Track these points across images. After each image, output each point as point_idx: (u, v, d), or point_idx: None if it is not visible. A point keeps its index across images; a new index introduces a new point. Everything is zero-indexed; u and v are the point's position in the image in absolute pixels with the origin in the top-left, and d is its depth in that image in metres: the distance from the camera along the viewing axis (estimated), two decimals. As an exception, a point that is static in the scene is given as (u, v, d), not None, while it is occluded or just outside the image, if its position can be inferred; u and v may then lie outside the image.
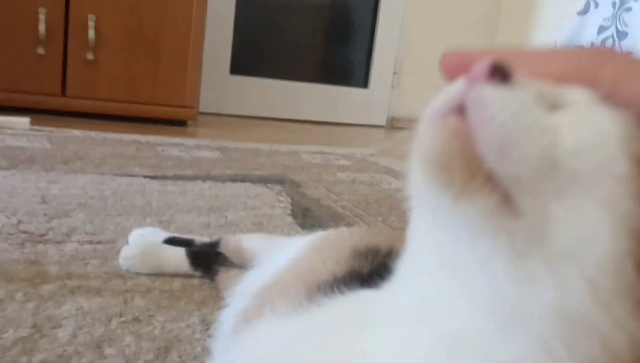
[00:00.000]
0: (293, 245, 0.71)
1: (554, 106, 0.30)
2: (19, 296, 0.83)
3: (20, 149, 1.76)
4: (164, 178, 1.62)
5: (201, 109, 3.10)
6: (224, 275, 0.91)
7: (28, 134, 2.01)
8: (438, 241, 0.32)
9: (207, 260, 0.95)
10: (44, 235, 1.08)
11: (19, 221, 1.13)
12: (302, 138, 2.91)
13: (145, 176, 1.61)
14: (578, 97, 0.31)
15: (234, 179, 1.71)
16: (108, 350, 0.72)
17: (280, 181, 1.76)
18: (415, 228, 0.35)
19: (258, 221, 1.33)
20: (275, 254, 0.75)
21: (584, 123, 0.29)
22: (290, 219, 1.38)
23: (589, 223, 0.27)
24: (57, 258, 0.98)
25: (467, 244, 0.30)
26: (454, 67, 0.36)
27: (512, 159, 0.28)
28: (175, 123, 2.69)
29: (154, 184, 1.54)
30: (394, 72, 3.87)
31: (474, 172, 0.28)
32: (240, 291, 0.71)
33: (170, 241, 1.03)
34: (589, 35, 1.93)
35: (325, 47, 3.86)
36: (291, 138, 2.80)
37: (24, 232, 1.08)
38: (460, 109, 0.30)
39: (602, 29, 1.84)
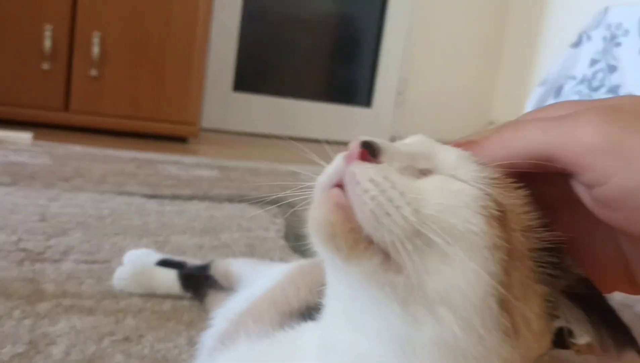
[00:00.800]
0: (273, 273, 0.76)
1: (424, 171, 0.36)
2: (16, 313, 0.87)
3: (22, 165, 1.81)
4: (161, 197, 1.67)
5: (203, 125, 3.15)
6: (212, 298, 0.95)
7: (30, 149, 2.06)
8: (339, 288, 0.38)
9: (197, 282, 0.99)
10: (42, 253, 1.12)
11: (19, 239, 1.17)
12: (303, 156, 2.95)
13: (143, 195, 1.65)
14: (446, 161, 0.37)
15: (230, 199, 1.76)
16: (98, 368, 0.77)
17: (276, 202, 1.80)
18: (326, 270, 0.41)
19: (251, 243, 1.37)
20: (257, 280, 0.79)
21: (443, 189, 0.35)
22: (282, 242, 1.42)
23: (455, 272, 0.33)
24: (53, 276, 1.02)
25: (362, 293, 0.36)
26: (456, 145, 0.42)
27: (383, 228, 0.33)
28: (177, 139, 2.74)
29: (152, 204, 1.58)
30: (398, 92, 3.92)
31: (356, 238, 0.34)
32: (221, 314, 0.75)
33: (164, 262, 1.07)
34: (581, 68, 1.98)
35: (330, 65, 3.92)
36: (291, 157, 2.85)
37: (23, 250, 1.12)
38: (341, 183, 0.36)
39: (593, 62, 1.89)
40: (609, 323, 0.38)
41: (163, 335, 0.88)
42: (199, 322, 0.93)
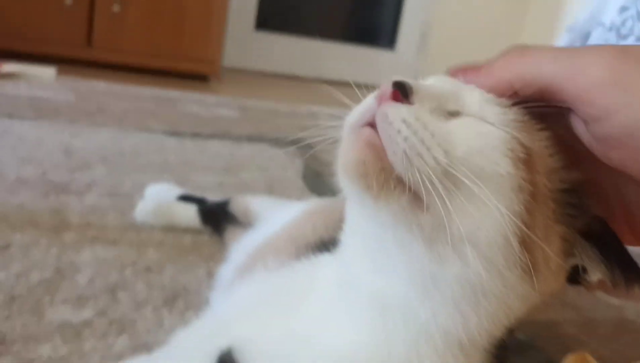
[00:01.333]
0: (291, 210, 0.78)
1: (452, 113, 0.36)
2: (43, 242, 0.91)
3: (46, 100, 1.83)
4: (182, 135, 1.69)
5: (224, 64, 3.14)
6: (231, 233, 0.98)
7: (54, 85, 2.08)
8: (365, 227, 0.39)
9: (217, 217, 1.02)
10: (67, 186, 1.15)
11: (45, 172, 1.21)
12: (324, 98, 2.94)
13: (164, 133, 1.68)
14: (473, 103, 0.37)
15: (250, 139, 1.77)
16: (121, 295, 0.80)
17: (295, 143, 1.81)
18: (349, 210, 0.42)
19: (270, 183, 1.39)
20: (275, 217, 0.81)
21: (472, 132, 0.36)
22: (300, 183, 1.44)
23: (481, 213, 0.34)
24: (78, 208, 1.06)
25: (389, 232, 0.37)
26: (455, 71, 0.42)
27: (414, 168, 0.34)
28: (198, 78, 2.74)
29: (172, 142, 1.60)
30: (422, 35, 3.86)
31: (386, 177, 0.35)
32: (240, 249, 0.78)
33: (184, 198, 1.10)
34: (610, 14, 1.93)
35: (353, 5, 3.85)
36: (312, 98, 2.84)
37: (49, 182, 1.15)
38: (372, 122, 0.36)
39: (623, 9, 1.84)
40: (621, 262, 0.39)
41: (183, 267, 0.91)
42: (218, 256, 0.96)
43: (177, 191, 1.13)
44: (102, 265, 0.87)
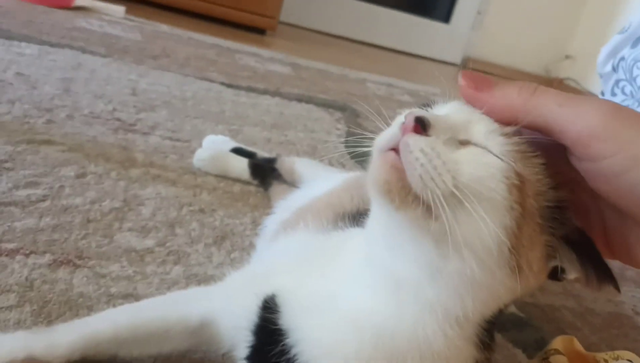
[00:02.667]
0: (333, 178, 0.89)
1: (462, 142, 0.46)
2: (113, 174, 1.04)
3: (115, 37, 1.96)
4: (238, 87, 1.80)
5: (282, 19, 3.22)
6: (275, 188, 1.10)
7: (123, 22, 2.20)
8: (386, 225, 0.50)
9: (264, 173, 1.14)
10: (133, 125, 1.28)
11: (114, 109, 1.33)
12: (373, 64, 3.02)
13: (222, 83, 1.79)
14: (480, 133, 0.47)
15: (299, 99, 1.87)
16: (178, 230, 0.93)
17: (342, 108, 1.91)
18: (374, 208, 0.53)
19: (313, 144, 1.50)
20: (318, 182, 0.92)
21: (476, 161, 0.46)
22: (342, 148, 1.54)
23: (478, 226, 0.44)
24: (143, 147, 1.18)
25: (406, 233, 0.48)
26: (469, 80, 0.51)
27: (427, 188, 0.44)
28: (256, 31, 2.84)
29: (229, 93, 1.72)
30: (478, 12, 3.86)
31: (406, 194, 0.45)
32: (285, 205, 0.89)
33: (237, 150, 1.22)
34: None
35: (414, -26, 3.87)
36: (362, 63, 2.92)
37: (118, 120, 1.28)
38: (396, 148, 0.46)
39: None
40: (595, 264, 0.49)
41: (232, 212, 1.03)
42: (262, 206, 1.08)
43: (232, 144, 1.25)
44: (163, 202, 1.00)
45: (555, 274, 0.51)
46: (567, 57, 4.01)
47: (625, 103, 1.65)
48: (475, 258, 0.46)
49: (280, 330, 0.55)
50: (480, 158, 0.46)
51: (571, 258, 0.50)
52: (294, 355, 0.53)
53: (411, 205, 0.45)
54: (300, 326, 0.54)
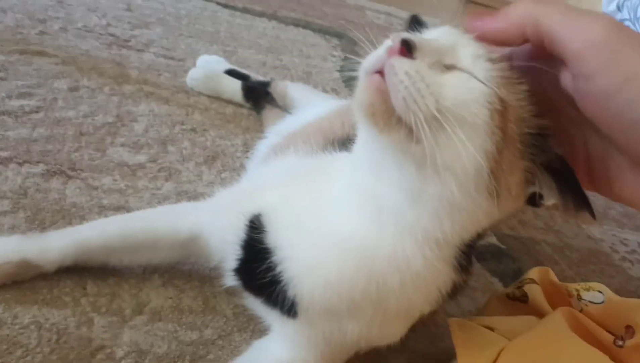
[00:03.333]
0: (325, 104, 0.90)
1: (448, 66, 0.47)
2: (106, 89, 1.04)
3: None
4: (234, 8, 1.77)
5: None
6: (268, 112, 1.10)
7: None
8: (371, 148, 0.52)
9: (257, 96, 1.14)
10: (127, 41, 1.27)
11: (108, 24, 1.31)
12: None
13: (217, 3, 1.75)
14: (467, 57, 0.47)
15: (296, 23, 1.85)
16: (170, 148, 0.94)
17: (339, 35, 1.89)
18: (360, 132, 0.54)
19: (308, 70, 1.49)
20: (311, 108, 0.93)
21: (460, 86, 0.46)
22: (337, 75, 1.54)
23: (459, 149, 0.45)
24: (136, 64, 1.17)
25: (389, 156, 0.49)
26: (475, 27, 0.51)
27: (410, 111, 0.44)
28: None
29: (225, 14, 1.69)
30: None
31: (390, 116, 0.45)
32: (276, 130, 0.90)
33: (231, 72, 1.21)
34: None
35: None
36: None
37: (112, 35, 1.27)
38: (382, 70, 0.46)
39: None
40: (573, 192, 0.51)
41: (223, 133, 1.04)
42: (253, 129, 1.09)
43: (226, 65, 1.24)
44: (156, 119, 1.00)
45: (534, 200, 0.53)
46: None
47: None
48: (455, 181, 0.47)
49: (266, 248, 0.57)
50: (464, 82, 0.47)
51: (550, 185, 0.51)
52: (279, 272, 0.56)
53: (394, 128, 0.46)
54: (285, 244, 0.56)
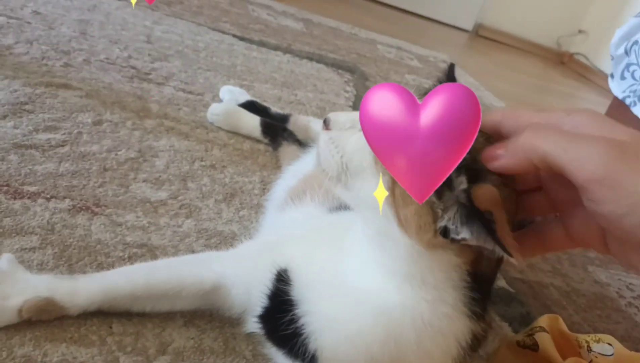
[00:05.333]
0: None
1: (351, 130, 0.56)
2: (129, 124, 1.06)
3: (131, -21, 1.95)
4: (250, 41, 1.81)
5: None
6: (285, 149, 1.13)
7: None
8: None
9: (275, 132, 1.17)
10: (148, 74, 1.30)
11: (129, 56, 1.35)
12: (384, 25, 3.00)
13: (234, 36, 1.79)
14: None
15: (310, 57, 1.88)
16: (190, 184, 0.96)
17: (351, 69, 1.92)
18: None
19: (322, 105, 1.52)
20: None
21: (356, 141, 0.55)
22: (350, 111, 1.57)
23: (366, 188, 0.54)
24: (157, 98, 1.20)
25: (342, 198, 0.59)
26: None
27: (329, 166, 0.55)
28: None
29: (241, 46, 1.73)
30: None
31: (326, 174, 0.56)
32: (292, 171, 0.93)
33: (251, 103, 1.25)
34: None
35: None
36: (373, 23, 2.91)
37: (133, 68, 1.30)
38: None
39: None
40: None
41: (241, 170, 1.06)
42: (270, 166, 1.11)
43: (247, 96, 1.28)
44: (176, 155, 1.03)
45: (446, 233, 0.53)
46: (580, 32, 3.99)
47: (633, 88, 1.67)
48: (374, 213, 0.54)
49: (291, 300, 0.60)
50: (359, 137, 0.54)
51: (462, 220, 0.51)
52: (302, 325, 0.59)
53: (334, 182, 0.57)
54: (308, 299, 0.60)
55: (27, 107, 0.98)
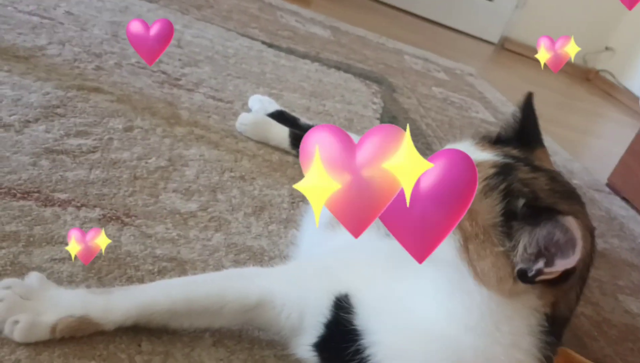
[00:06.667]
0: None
1: None
2: (159, 130, 1.05)
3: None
4: (278, 48, 1.79)
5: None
6: (314, 162, 1.11)
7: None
8: None
9: (305, 145, 1.15)
10: (178, 79, 1.29)
11: (160, 61, 1.33)
12: (411, 36, 2.98)
13: (263, 42, 1.78)
14: None
15: (338, 67, 1.87)
16: (220, 196, 0.95)
17: (378, 81, 1.90)
18: None
19: (350, 117, 1.51)
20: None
21: None
22: (377, 123, 1.55)
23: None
24: (187, 105, 1.19)
25: None
26: None
27: None
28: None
29: (270, 53, 1.71)
30: (523, -8, 3.79)
31: None
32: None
33: (280, 113, 1.23)
34: None
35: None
36: (401, 33, 2.88)
37: (163, 73, 1.29)
38: None
39: None
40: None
41: (270, 182, 1.05)
42: (299, 179, 1.08)
43: (276, 106, 1.27)
44: (206, 164, 1.01)
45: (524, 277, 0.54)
46: (606, 48, 3.94)
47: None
48: (443, 267, 0.55)
49: (355, 330, 0.59)
50: None
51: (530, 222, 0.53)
52: (368, 356, 0.58)
53: None
54: (374, 328, 0.59)
55: (59, 110, 0.97)
